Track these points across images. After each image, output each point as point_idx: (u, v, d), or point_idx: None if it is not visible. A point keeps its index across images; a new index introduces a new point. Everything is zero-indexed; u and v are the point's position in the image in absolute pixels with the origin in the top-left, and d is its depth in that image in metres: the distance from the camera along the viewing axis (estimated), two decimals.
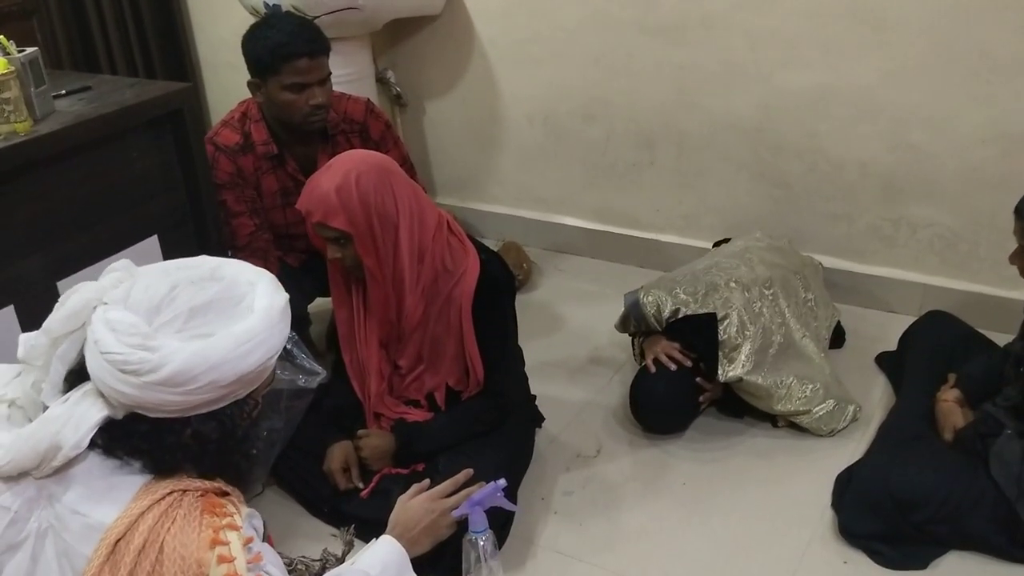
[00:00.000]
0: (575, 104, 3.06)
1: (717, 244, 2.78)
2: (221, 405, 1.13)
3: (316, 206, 1.86)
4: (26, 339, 1.18)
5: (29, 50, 1.79)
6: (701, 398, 2.28)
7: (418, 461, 2.04)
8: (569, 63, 3.00)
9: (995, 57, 2.37)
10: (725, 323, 2.19)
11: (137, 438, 1.12)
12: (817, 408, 2.21)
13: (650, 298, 2.29)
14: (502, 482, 1.69)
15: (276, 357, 1.17)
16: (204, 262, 1.19)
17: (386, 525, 1.73)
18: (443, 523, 1.72)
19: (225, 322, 1.11)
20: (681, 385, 2.24)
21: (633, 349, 2.45)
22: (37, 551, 1.12)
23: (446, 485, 1.78)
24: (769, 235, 2.64)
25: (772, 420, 2.28)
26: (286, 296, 1.19)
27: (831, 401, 2.22)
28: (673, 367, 2.23)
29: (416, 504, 1.73)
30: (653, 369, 2.25)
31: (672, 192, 3.03)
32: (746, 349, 2.18)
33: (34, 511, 1.12)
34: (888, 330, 2.57)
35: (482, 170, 3.40)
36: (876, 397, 2.38)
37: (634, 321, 2.36)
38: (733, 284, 2.27)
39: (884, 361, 2.50)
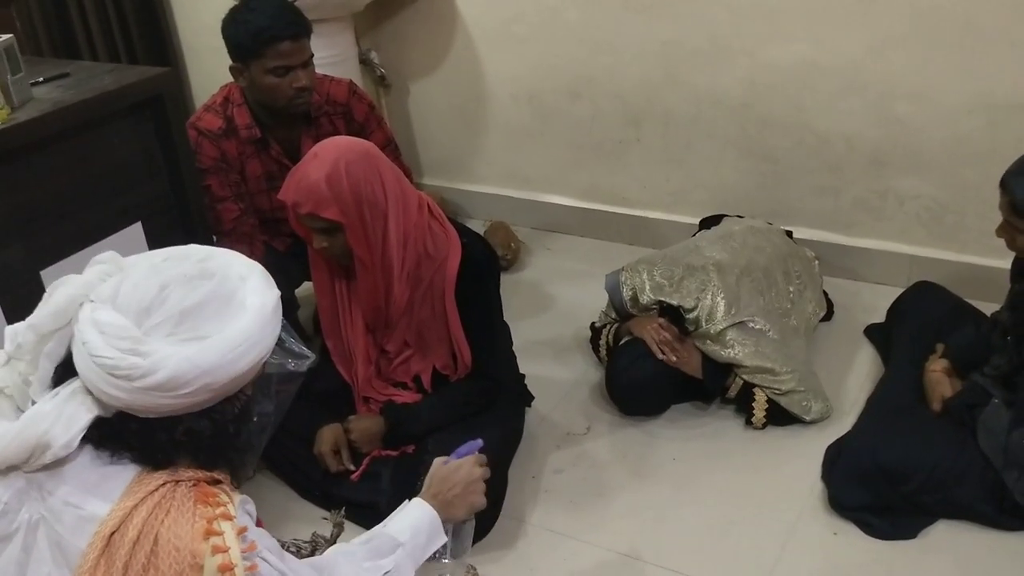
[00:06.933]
0: (560, 82, 3.05)
1: (705, 220, 2.77)
2: (213, 403, 1.11)
3: (305, 197, 1.81)
4: (13, 333, 1.15)
5: (4, 37, 1.76)
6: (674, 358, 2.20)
7: (408, 443, 2.04)
8: (553, 41, 2.98)
9: (980, 27, 2.36)
10: (701, 304, 2.20)
11: (128, 436, 1.10)
12: (787, 375, 2.17)
13: (628, 281, 2.30)
14: (479, 442, 1.61)
15: (269, 355, 1.14)
16: (192, 253, 1.16)
17: (376, 508, 1.72)
18: (479, 489, 1.56)
19: (217, 323, 1.09)
20: (666, 369, 2.20)
21: (598, 339, 2.43)
22: (29, 542, 1.11)
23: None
24: (758, 218, 2.64)
25: (748, 417, 2.22)
26: (278, 293, 1.16)
27: (801, 383, 2.19)
28: (661, 356, 2.18)
29: (457, 467, 1.56)
30: (661, 356, 2.18)
31: (659, 169, 3.02)
32: (721, 311, 2.19)
33: (25, 502, 1.11)
34: (876, 302, 2.58)
35: (468, 150, 3.38)
36: (864, 369, 2.39)
37: (615, 304, 2.35)
38: (711, 267, 2.27)
39: (872, 333, 2.51)
